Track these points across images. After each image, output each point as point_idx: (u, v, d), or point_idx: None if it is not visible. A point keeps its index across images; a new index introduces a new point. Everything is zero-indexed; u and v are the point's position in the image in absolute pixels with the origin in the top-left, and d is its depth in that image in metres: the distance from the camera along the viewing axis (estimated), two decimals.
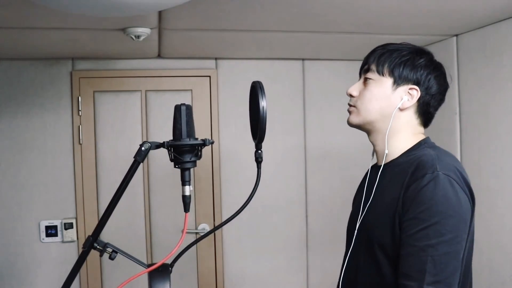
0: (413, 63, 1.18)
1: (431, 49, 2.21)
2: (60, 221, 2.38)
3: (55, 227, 2.37)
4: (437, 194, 1.02)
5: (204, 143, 1.11)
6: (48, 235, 2.36)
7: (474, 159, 2.01)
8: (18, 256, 2.35)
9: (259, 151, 1.19)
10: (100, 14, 1.38)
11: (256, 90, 1.11)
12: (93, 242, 1.12)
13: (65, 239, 2.38)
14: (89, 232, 1.21)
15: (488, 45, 1.92)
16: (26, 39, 1.91)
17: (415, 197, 1.04)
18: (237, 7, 1.57)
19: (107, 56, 2.37)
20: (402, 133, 1.20)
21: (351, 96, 1.24)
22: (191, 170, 1.14)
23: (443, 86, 1.23)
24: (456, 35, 2.12)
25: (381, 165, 1.22)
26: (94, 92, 2.42)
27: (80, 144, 2.40)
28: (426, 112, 1.21)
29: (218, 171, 2.54)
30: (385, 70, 1.18)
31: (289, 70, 2.60)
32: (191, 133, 1.11)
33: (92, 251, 1.13)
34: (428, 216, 1.02)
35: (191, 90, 2.52)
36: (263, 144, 1.17)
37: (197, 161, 1.13)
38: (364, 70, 1.24)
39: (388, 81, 1.18)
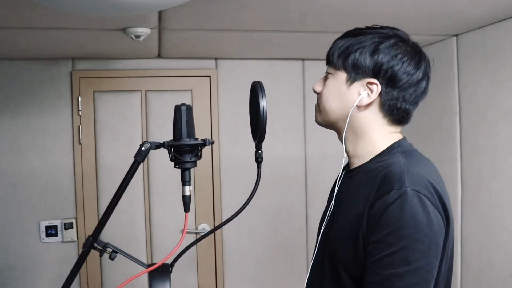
0: (372, 49, 0.99)
1: (431, 49, 2.24)
2: (60, 221, 2.38)
3: (55, 227, 2.37)
4: (404, 215, 0.87)
5: (204, 143, 1.11)
6: (48, 235, 2.36)
7: (474, 159, 2.01)
8: (18, 256, 2.35)
9: (259, 151, 1.18)
10: (100, 14, 1.38)
11: (256, 90, 1.11)
12: (93, 242, 1.12)
13: (65, 239, 2.38)
14: (89, 232, 1.21)
15: (488, 45, 1.92)
16: (26, 39, 1.91)
17: (380, 217, 0.90)
18: (237, 7, 1.57)
19: (107, 56, 2.37)
20: (370, 134, 1.03)
21: (315, 92, 1.10)
22: (191, 170, 1.14)
23: (417, 75, 1.00)
24: (456, 35, 2.12)
25: (351, 169, 1.08)
26: (94, 92, 2.42)
27: (80, 144, 2.40)
28: (394, 108, 1.01)
29: (218, 171, 2.54)
30: (340, 63, 1.02)
31: (289, 70, 2.60)
32: (191, 133, 1.11)
33: (92, 251, 1.13)
34: (394, 240, 0.87)
35: (191, 90, 2.52)
36: (263, 144, 1.17)
37: (197, 161, 1.13)
38: (326, 62, 1.09)
39: (342, 75, 1.03)
